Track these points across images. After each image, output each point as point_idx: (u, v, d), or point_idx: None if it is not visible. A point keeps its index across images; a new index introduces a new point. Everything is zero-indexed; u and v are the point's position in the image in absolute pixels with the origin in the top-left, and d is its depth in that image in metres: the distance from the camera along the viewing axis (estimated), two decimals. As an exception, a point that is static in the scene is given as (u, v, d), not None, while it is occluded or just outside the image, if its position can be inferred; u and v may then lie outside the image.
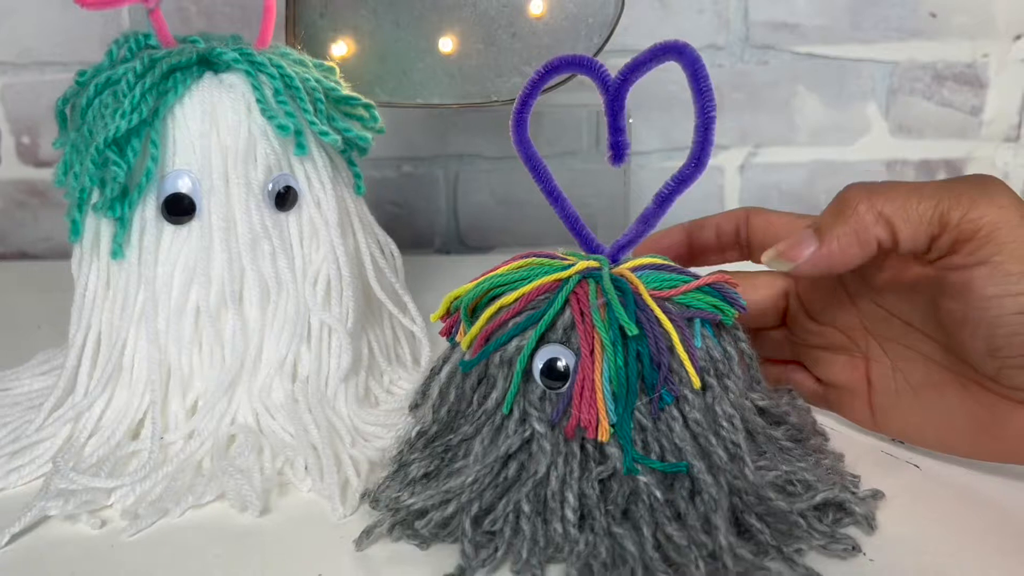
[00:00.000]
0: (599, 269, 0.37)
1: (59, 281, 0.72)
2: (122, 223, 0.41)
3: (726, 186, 0.83)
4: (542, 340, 0.36)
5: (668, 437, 0.35)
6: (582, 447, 0.35)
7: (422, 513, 0.36)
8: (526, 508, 0.35)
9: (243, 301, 0.43)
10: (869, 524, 0.37)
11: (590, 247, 0.39)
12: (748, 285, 0.44)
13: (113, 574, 0.35)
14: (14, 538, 0.37)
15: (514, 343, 0.36)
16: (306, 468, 0.40)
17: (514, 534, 0.35)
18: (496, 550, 0.35)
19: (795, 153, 0.82)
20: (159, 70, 0.41)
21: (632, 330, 0.35)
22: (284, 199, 0.43)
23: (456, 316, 0.39)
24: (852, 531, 0.37)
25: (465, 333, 0.38)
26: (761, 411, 0.39)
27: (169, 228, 0.42)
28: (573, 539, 0.34)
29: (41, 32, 0.76)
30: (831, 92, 0.80)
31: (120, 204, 0.41)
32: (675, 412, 0.36)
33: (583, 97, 0.66)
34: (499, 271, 0.38)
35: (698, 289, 0.38)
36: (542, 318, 0.36)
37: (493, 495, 0.36)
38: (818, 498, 0.36)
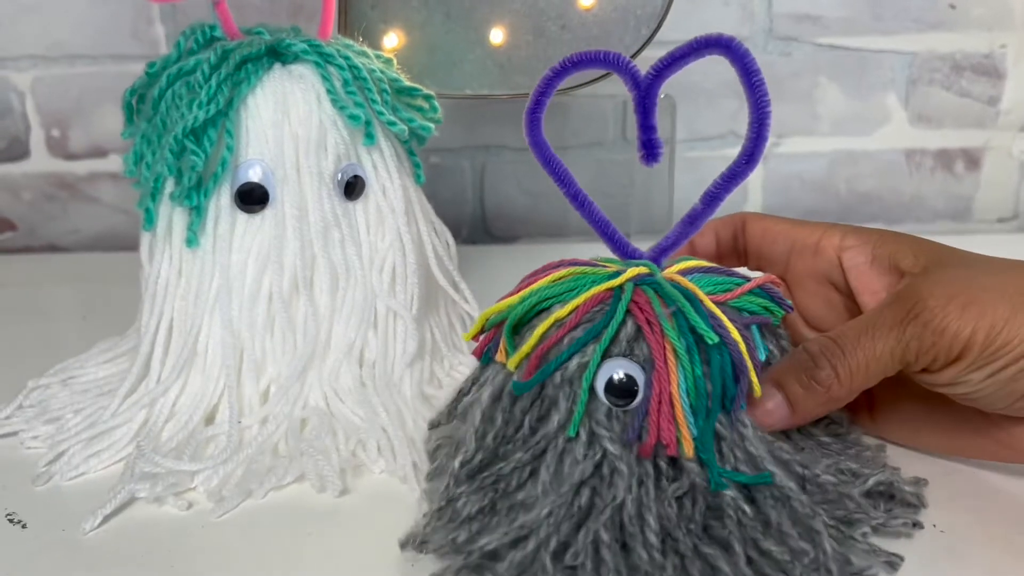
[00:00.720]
0: (651, 275, 0.35)
1: (90, 272, 0.73)
2: (198, 212, 0.42)
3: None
4: (604, 355, 0.33)
5: (742, 446, 0.34)
6: (655, 465, 0.33)
7: (495, 554, 0.32)
8: (605, 537, 0.32)
9: (314, 287, 0.44)
10: (920, 501, 0.37)
11: (626, 252, 0.36)
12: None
13: (209, 553, 0.36)
14: (106, 519, 0.38)
15: (575, 360, 0.34)
16: (379, 449, 0.41)
17: (595, 567, 0.32)
18: None
19: (817, 143, 0.83)
20: (232, 61, 0.41)
21: (712, 338, 0.33)
22: (352, 188, 0.44)
23: (491, 335, 0.37)
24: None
25: (508, 352, 0.35)
26: None
27: (243, 216, 0.43)
28: (659, 565, 0.31)
29: (70, 25, 0.77)
30: (852, 83, 0.81)
31: (196, 193, 0.41)
32: (744, 419, 0.34)
33: (609, 87, 0.67)
34: (541, 283, 0.36)
35: (751, 292, 0.37)
36: (604, 331, 0.33)
37: (569, 527, 0.32)
38: (871, 481, 0.36)
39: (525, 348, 0.34)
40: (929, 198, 0.85)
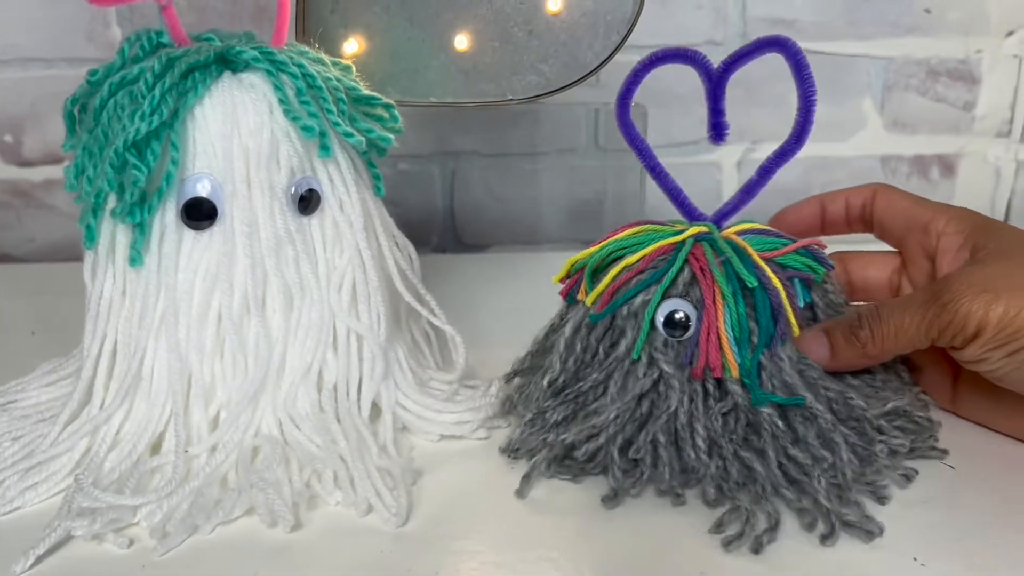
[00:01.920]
0: (709, 234, 0.42)
1: (47, 284, 0.71)
2: (141, 229, 0.39)
3: (724, 181, 0.83)
4: (664, 295, 0.41)
5: (779, 376, 0.40)
6: (703, 386, 0.40)
7: (573, 447, 0.40)
8: (662, 438, 0.40)
9: (266, 308, 0.42)
10: (931, 423, 0.43)
11: (693, 215, 0.44)
12: (864, 262, 0.49)
13: (148, 596, 0.34)
14: (39, 559, 0.35)
15: (640, 297, 0.41)
16: (335, 480, 0.39)
17: (654, 461, 0.40)
18: (641, 475, 0.39)
19: (792, 149, 0.82)
20: (178, 69, 0.39)
21: (752, 282, 0.40)
22: (307, 202, 0.42)
23: (576, 278, 0.44)
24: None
25: (587, 292, 0.42)
26: None
27: (189, 234, 0.41)
28: (705, 463, 0.39)
29: (24, 27, 0.74)
30: (827, 88, 0.80)
31: (139, 209, 0.39)
32: (782, 354, 0.41)
33: (580, 95, 0.65)
34: (617, 236, 0.43)
35: (795, 252, 0.43)
36: (665, 275, 0.41)
37: (632, 428, 0.40)
38: (889, 405, 0.42)
39: (600, 287, 0.42)
40: (905, 204, 0.84)
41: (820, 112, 0.79)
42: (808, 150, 0.80)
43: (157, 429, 0.40)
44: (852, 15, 0.78)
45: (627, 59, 0.56)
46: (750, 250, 0.41)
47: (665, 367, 0.40)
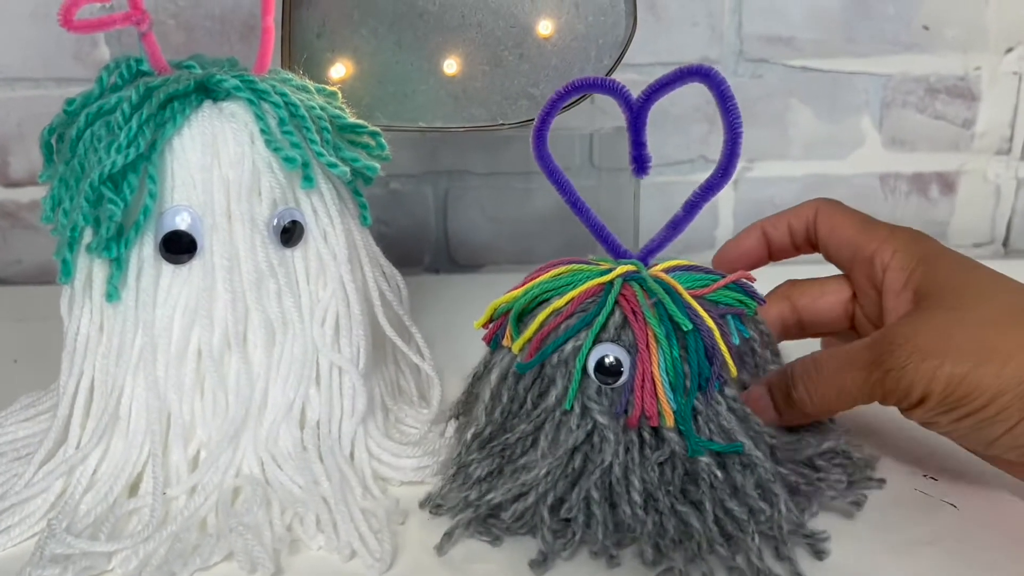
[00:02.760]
0: (638, 272, 0.41)
1: (33, 308, 0.69)
2: (118, 264, 0.38)
3: (720, 200, 0.82)
4: (595, 340, 0.38)
5: (716, 420, 0.39)
6: (639, 435, 0.38)
7: (500, 507, 0.39)
8: (595, 495, 0.38)
9: (247, 343, 0.40)
10: (869, 467, 0.42)
11: (618, 252, 0.42)
12: (815, 294, 0.46)
13: (120, 649, 0.33)
14: (8, 611, 0.34)
15: (570, 344, 0.39)
16: (318, 523, 0.37)
17: (587, 520, 0.38)
18: (573, 535, 0.38)
19: (789, 167, 0.81)
20: (156, 99, 0.38)
21: (687, 325, 0.38)
22: (290, 234, 0.41)
23: (499, 322, 0.41)
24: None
25: (513, 338, 0.40)
26: None
27: (168, 268, 0.39)
28: (640, 520, 0.37)
29: (10, 46, 0.73)
30: (825, 105, 0.79)
31: (116, 244, 0.38)
32: (718, 396, 0.39)
33: (575, 120, 0.64)
34: (543, 278, 0.41)
35: (725, 287, 0.41)
36: (595, 319, 0.39)
37: (564, 485, 0.38)
38: (825, 445, 0.41)
39: (527, 333, 0.40)
40: (904, 222, 0.81)
41: (818, 129, 0.79)
42: (806, 168, 0.80)
43: (135, 470, 0.39)
44: (850, 32, 0.77)
45: (625, 76, 0.55)
46: (680, 289, 0.40)
47: (599, 418, 0.38)
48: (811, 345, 0.59)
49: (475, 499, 0.39)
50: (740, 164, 0.79)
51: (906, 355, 0.37)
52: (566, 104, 0.51)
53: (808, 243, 0.47)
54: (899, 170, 0.81)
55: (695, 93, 0.78)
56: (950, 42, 0.77)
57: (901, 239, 0.43)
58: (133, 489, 0.39)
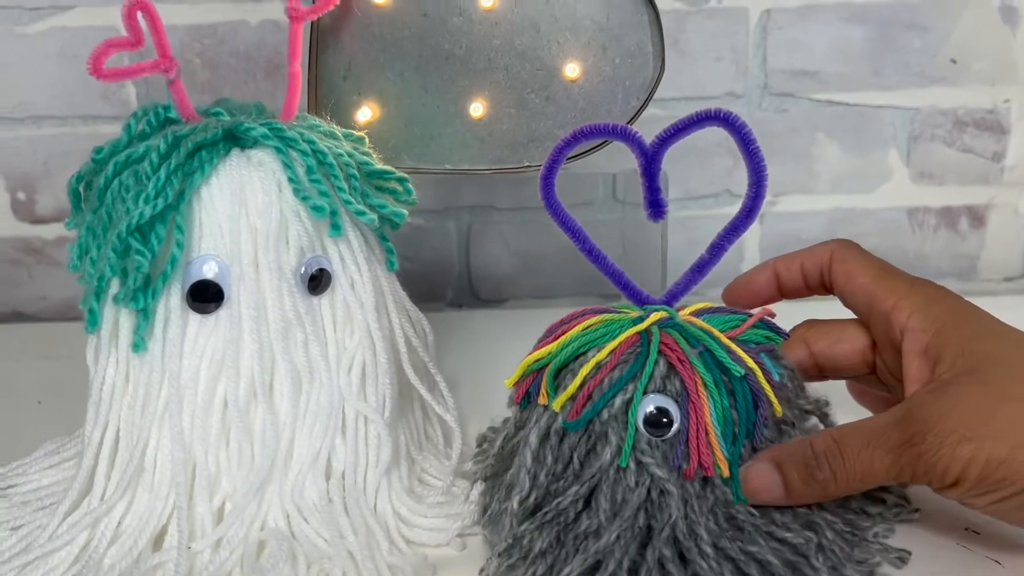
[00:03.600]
0: (671, 319, 0.40)
1: (58, 345, 0.70)
2: (144, 314, 0.38)
3: (746, 235, 0.81)
4: (644, 392, 0.38)
5: None
6: (693, 487, 0.38)
7: None
8: (667, 553, 0.36)
9: (273, 393, 0.40)
10: (905, 499, 0.42)
11: (641, 299, 0.42)
12: (832, 339, 0.44)
13: None
14: (32, 672, 0.34)
15: (619, 398, 0.38)
16: (344, 579, 0.37)
17: None
18: None
19: (815, 201, 0.80)
20: (184, 149, 0.38)
21: (739, 371, 0.38)
22: (317, 282, 0.41)
23: (530, 380, 0.40)
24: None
25: (549, 395, 0.39)
26: (806, 415, 0.44)
27: (195, 318, 0.39)
28: (718, 571, 0.36)
29: (38, 85, 0.74)
30: (851, 139, 0.78)
31: (143, 295, 0.38)
32: (762, 440, 0.39)
33: (600, 163, 0.64)
34: (575, 331, 0.40)
35: (753, 326, 0.42)
36: (642, 370, 0.38)
37: (635, 548, 0.37)
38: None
39: (570, 389, 0.38)
40: (933, 257, 0.82)
41: (845, 163, 0.78)
42: (833, 202, 0.80)
43: (160, 523, 0.39)
44: (875, 65, 0.76)
45: (647, 112, 0.55)
46: (718, 333, 0.39)
47: (658, 471, 0.37)
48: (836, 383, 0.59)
49: (544, 573, 0.37)
50: (766, 198, 0.79)
51: (940, 438, 0.36)
52: (585, 150, 0.52)
53: (822, 286, 0.46)
54: (927, 204, 0.80)
55: (721, 128, 0.78)
56: (978, 75, 0.77)
57: (920, 297, 0.41)
58: (158, 542, 0.39)
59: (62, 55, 0.73)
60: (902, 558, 0.39)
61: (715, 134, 0.78)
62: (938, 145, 0.79)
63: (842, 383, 0.50)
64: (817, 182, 0.79)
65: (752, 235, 0.81)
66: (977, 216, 0.81)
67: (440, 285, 0.80)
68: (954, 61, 0.77)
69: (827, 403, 0.52)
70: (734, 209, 0.80)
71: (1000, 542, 0.40)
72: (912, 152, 0.79)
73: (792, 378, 0.43)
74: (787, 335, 0.43)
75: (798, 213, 0.80)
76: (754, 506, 0.38)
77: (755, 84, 0.77)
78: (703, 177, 0.79)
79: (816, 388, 0.55)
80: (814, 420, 0.49)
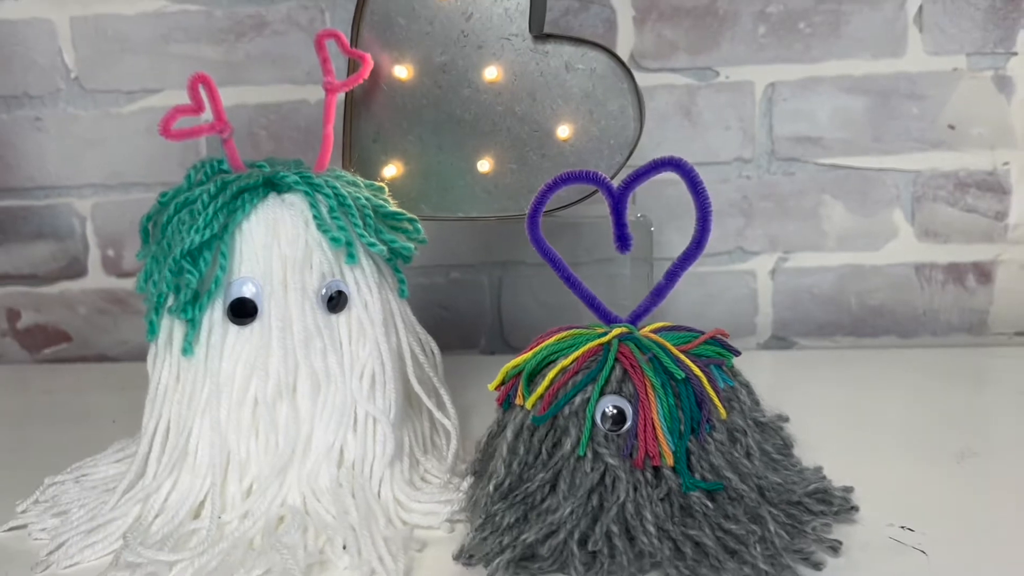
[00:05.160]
0: (630, 333, 0.47)
1: (134, 380, 0.79)
2: (192, 324, 0.47)
3: (759, 290, 0.86)
4: (600, 392, 0.44)
5: (706, 459, 0.44)
6: (644, 474, 0.43)
7: (532, 547, 0.43)
8: (615, 529, 0.42)
9: (296, 393, 0.48)
10: (846, 500, 0.47)
11: (609, 318, 0.49)
12: None
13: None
14: (87, 604, 0.41)
15: (579, 397, 0.44)
16: (344, 547, 0.43)
17: (611, 552, 0.42)
18: (601, 565, 0.42)
19: (824, 258, 0.85)
20: (230, 191, 0.47)
21: (679, 374, 0.44)
22: (335, 302, 0.49)
23: (511, 384, 0.47)
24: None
25: (524, 396, 0.46)
26: (760, 425, 0.49)
27: (233, 328, 0.48)
28: (658, 547, 0.42)
29: (128, 157, 0.85)
30: (856, 200, 0.83)
31: (192, 307, 0.46)
32: (708, 438, 0.45)
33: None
34: (548, 342, 0.47)
35: (705, 342, 0.47)
36: (599, 374, 0.44)
37: (587, 522, 0.43)
38: (811, 486, 0.47)
39: (539, 390, 0.45)
40: (943, 312, 0.85)
41: (851, 222, 0.84)
42: (841, 259, 0.85)
43: (198, 499, 0.46)
44: (876, 131, 0.82)
45: (662, 177, 0.62)
46: (669, 345, 0.45)
47: (610, 460, 0.43)
48: (803, 405, 0.63)
49: (509, 542, 0.43)
50: (776, 255, 0.85)
51: None
52: (576, 200, 0.59)
53: None
54: (934, 260, 0.84)
55: (732, 189, 0.85)
56: (976, 139, 0.81)
57: None
58: (196, 514, 0.47)
59: (149, 131, 0.84)
60: (834, 547, 0.44)
61: (727, 195, 0.85)
62: (941, 205, 0.83)
63: (802, 403, 0.55)
64: (825, 240, 0.84)
65: (765, 290, 0.86)
66: (984, 272, 0.84)
67: (474, 333, 0.87)
68: (952, 127, 0.82)
69: (787, 418, 0.58)
70: (747, 265, 0.87)
71: (928, 537, 0.44)
72: (916, 212, 0.83)
73: (747, 392, 0.49)
74: (738, 352, 0.49)
75: (808, 269, 0.85)
76: (708, 498, 0.44)
77: (763, 150, 0.83)
78: (717, 235, 0.85)
79: (775, 405, 0.61)
80: (788, 431, 0.55)
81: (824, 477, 0.50)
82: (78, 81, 0.84)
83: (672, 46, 0.81)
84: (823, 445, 0.55)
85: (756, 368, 0.77)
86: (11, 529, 0.49)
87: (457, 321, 0.87)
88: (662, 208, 0.82)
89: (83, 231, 0.87)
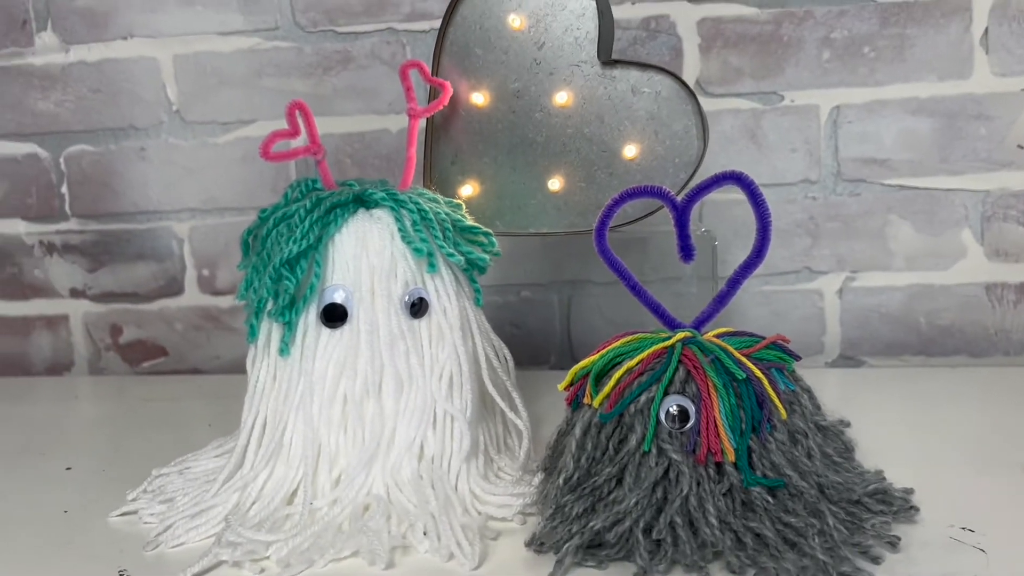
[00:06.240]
0: (694, 338, 0.49)
1: (225, 391, 0.84)
2: (289, 327, 0.51)
3: (826, 309, 0.87)
4: (665, 392, 0.47)
5: (767, 457, 0.46)
6: (706, 470, 0.46)
7: (599, 533, 0.45)
8: (679, 520, 0.45)
9: (382, 392, 0.52)
10: (906, 500, 0.49)
11: (673, 324, 0.51)
12: None
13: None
14: (194, 577, 0.45)
15: (644, 396, 0.47)
16: (424, 532, 0.47)
17: (674, 540, 0.45)
18: (665, 553, 0.44)
19: (892, 277, 0.86)
20: (324, 207, 0.52)
21: (740, 374, 0.46)
22: (417, 308, 0.53)
23: (579, 385, 0.50)
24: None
25: (592, 396, 0.48)
26: (822, 429, 0.51)
27: (325, 331, 0.52)
28: (720, 538, 0.44)
29: (224, 183, 0.92)
30: (923, 220, 0.84)
31: (289, 311, 0.51)
32: (769, 437, 0.47)
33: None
34: (614, 345, 0.50)
35: (767, 347, 0.50)
36: (664, 375, 0.47)
37: (651, 513, 0.45)
38: (871, 486, 0.49)
39: (606, 389, 0.48)
40: (1016, 331, 0.85)
41: (919, 242, 0.85)
42: (909, 278, 0.86)
43: (291, 487, 0.51)
44: (943, 152, 0.83)
45: (727, 197, 0.64)
46: (731, 348, 0.48)
47: (674, 456, 0.46)
48: (870, 417, 0.64)
49: (578, 529, 0.45)
50: (843, 275, 0.86)
51: None
52: (641, 215, 0.62)
53: None
54: (1005, 280, 0.84)
55: (798, 210, 0.87)
56: (1046, 159, 0.82)
57: None
58: (289, 500, 0.51)
59: (244, 159, 0.91)
60: (892, 543, 0.45)
61: (794, 216, 0.87)
62: (1012, 225, 0.83)
63: (869, 416, 0.57)
64: (893, 259, 0.85)
65: (832, 309, 0.87)
66: (1056, 292, 0.84)
67: (544, 350, 0.90)
68: (1022, 147, 0.82)
69: (848, 423, 0.59)
70: (814, 284, 0.89)
71: (988, 538, 0.45)
72: (986, 231, 0.84)
73: (809, 397, 0.51)
74: (799, 357, 0.51)
75: (876, 288, 0.86)
76: (769, 493, 0.46)
77: (828, 172, 0.85)
78: (784, 255, 0.87)
79: (836, 410, 0.62)
80: (848, 435, 0.56)
81: (884, 479, 0.51)
82: (179, 113, 0.91)
83: (737, 72, 0.84)
84: (886, 453, 0.57)
85: (824, 386, 0.79)
86: (123, 514, 0.54)
87: (528, 338, 0.90)
88: (727, 227, 0.84)
89: (181, 252, 0.93)
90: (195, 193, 0.92)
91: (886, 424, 0.65)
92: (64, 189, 0.94)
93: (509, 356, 0.57)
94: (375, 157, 0.90)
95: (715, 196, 0.85)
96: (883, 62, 0.82)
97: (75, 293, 0.96)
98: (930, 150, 0.83)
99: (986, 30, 0.81)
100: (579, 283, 0.89)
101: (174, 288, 0.94)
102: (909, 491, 0.50)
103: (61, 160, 0.94)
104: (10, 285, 0.96)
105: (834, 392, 0.77)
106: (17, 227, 0.95)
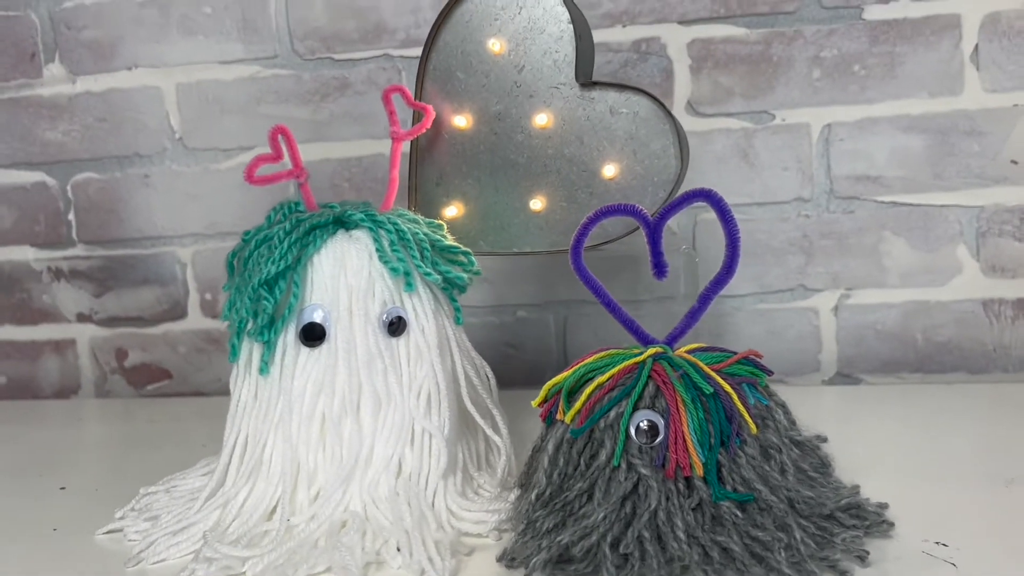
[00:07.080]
0: (664, 353, 0.50)
1: (223, 412, 0.85)
2: (269, 346, 0.52)
3: (822, 327, 0.87)
4: (634, 407, 0.47)
5: (737, 472, 0.47)
6: (675, 485, 0.46)
7: (567, 547, 0.45)
8: (646, 534, 0.45)
9: (360, 410, 0.52)
10: (880, 515, 0.49)
11: (646, 340, 0.52)
12: None
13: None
14: (171, 592, 0.46)
15: (614, 411, 0.47)
16: (398, 548, 0.47)
17: (642, 555, 0.45)
18: (632, 567, 0.44)
19: (888, 294, 0.85)
20: (303, 228, 0.53)
21: (708, 389, 0.47)
22: (395, 327, 0.54)
23: (552, 402, 0.50)
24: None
25: (565, 411, 0.49)
26: (797, 444, 0.51)
27: (304, 350, 0.53)
28: (688, 553, 0.44)
29: (225, 208, 0.93)
30: (918, 236, 0.84)
31: (268, 331, 0.52)
32: (739, 452, 0.47)
33: (673, 244, 0.74)
34: (586, 361, 0.50)
35: (738, 362, 0.50)
36: (633, 390, 0.47)
37: (619, 527, 0.46)
38: (844, 501, 0.49)
39: (577, 405, 0.48)
40: (1014, 347, 0.84)
41: (914, 259, 0.85)
42: (905, 295, 0.85)
43: (271, 504, 0.51)
44: (936, 169, 0.83)
45: (713, 216, 0.65)
46: (701, 364, 0.48)
47: (643, 470, 0.46)
48: (866, 437, 0.64)
49: (546, 544, 0.46)
50: (838, 293, 0.86)
51: None
52: (619, 236, 0.62)
53: None
54: (1002, 296, 0.84)
55: (791, 228, 0.87)
56: (1040, 174, 0.81)
57: None
58: (268, 516, 0.51)
59: (244, 184, 0.91)
60: (861, 556, 0.45)
61: (788, 234, 0.87)
62: (1007, 240, 0.83)
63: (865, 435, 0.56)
64: (888, 276, 0.85)
65: (828, 327, 0.87)
66: (1055, 307, 0.83)
67: (540, 370, 0.91)
68: (1015, 163, 0.82)
69: (824, 438, 0.59)
70: (810, 302, 0.88)
71: (962, 552, 0.45)
72: (981, 247, 0.83)
73: (783, 412, 0.51)
74: (771, 372, 0.51)
75: (871, 305, 0.86)
76: (739, 507, 0.46)
77: (821, 190, 0.85)
78: (779, 273, 0.87)
79: (841, 439, 0.62)
80: (825, 450, 0.56)
81: (858, 494, 0.51)
82: (182, 141, 0.93)
83: (728, 92, 0.85)
84: (874, 469, 0.57)
85: (821, 404, 0.79)
86: (109, 532, 0.55)
87: (524, 358, 0.91)
88: (720, 248, 0.84)
89: (184, 277, 0.95)
90: (198, 218, 0.94)
91: (879, 442, 0.65)
92: (71, 216, 0.96)
93: (491, 375, 0.58)
94: (372, 181, 0.91)
95: (709, 215, 0.86)
96: (874, 80, 0.83)
97: (82, 318, 0.98)
98: (923, 167, 0.83)
99: (976, 46, 0.81)
100: (574, 303, 0.90)
101: (177, 312, 0.96)
102: (883, 506, 0.50)
103: (68, 188, 0.96)
104: (19, 310, 0.99)
105: (831, 410, 0.77)
106: (26, 253, 0.98)
